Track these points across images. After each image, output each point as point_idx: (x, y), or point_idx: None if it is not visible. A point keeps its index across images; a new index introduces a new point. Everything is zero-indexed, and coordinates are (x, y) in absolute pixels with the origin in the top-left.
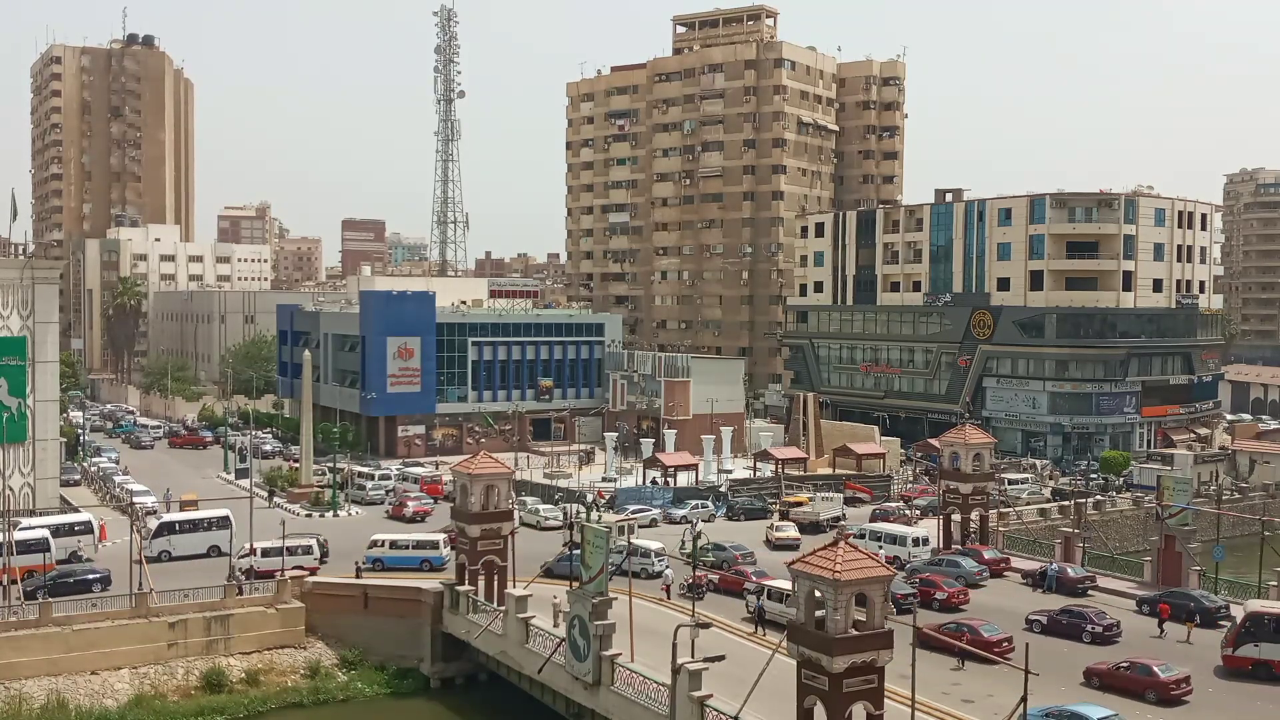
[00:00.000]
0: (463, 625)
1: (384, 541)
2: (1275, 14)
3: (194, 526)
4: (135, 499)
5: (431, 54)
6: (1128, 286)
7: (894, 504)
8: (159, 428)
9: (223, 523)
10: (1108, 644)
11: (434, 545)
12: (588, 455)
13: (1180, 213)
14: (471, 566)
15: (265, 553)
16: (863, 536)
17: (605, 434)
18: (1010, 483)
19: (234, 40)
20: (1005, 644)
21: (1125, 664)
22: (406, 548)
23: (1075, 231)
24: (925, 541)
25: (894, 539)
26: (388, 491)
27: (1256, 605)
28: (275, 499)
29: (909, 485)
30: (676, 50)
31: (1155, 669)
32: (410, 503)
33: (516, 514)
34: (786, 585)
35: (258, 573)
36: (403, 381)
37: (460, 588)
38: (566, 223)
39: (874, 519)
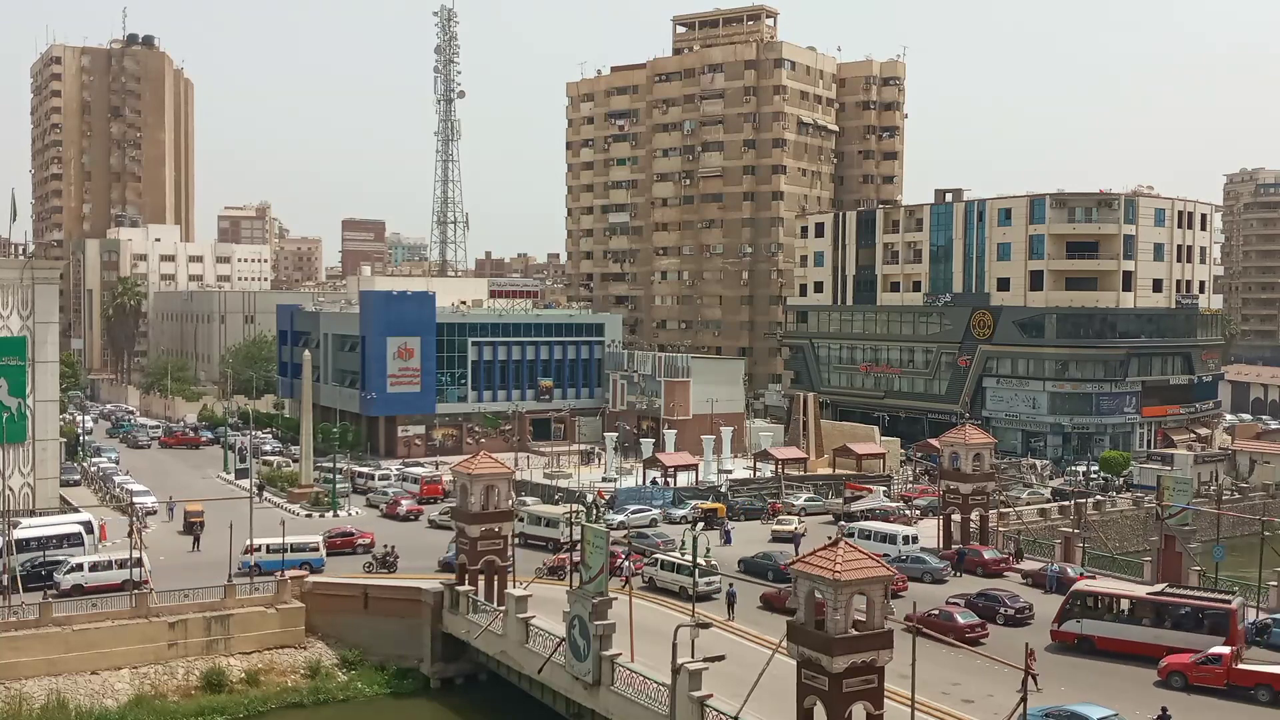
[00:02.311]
0: (463, 625)
1: (261, 546)
2: (1276, 14)
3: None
4: (135, 499)
5: (431, 54)
6: (1128, 286)
7: (894, 504)
8: (156, 427)
9: (85, 527)
10: (1020, 625)
11: (313, 548)
12: (587, 456)
13: (1180, 213)
14: (471, 566)
15: (270, 549)
16: (851, 535)
17: (605, 434)
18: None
19: (234, 40)
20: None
21: (935, 611)
22: (284, 550)
23: (1075, 231)
24: (915, 539)
25: (884, 537)
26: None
27: (1082, 584)
28: (265, 494)
29: (909, 485)
30: (676, 50)
31: (956, 615)
32: (404, 501)
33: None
34: (674, 558)
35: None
36: (403, 381)
37: (460, 588)
38: (566, 223)
39: (874, 519)
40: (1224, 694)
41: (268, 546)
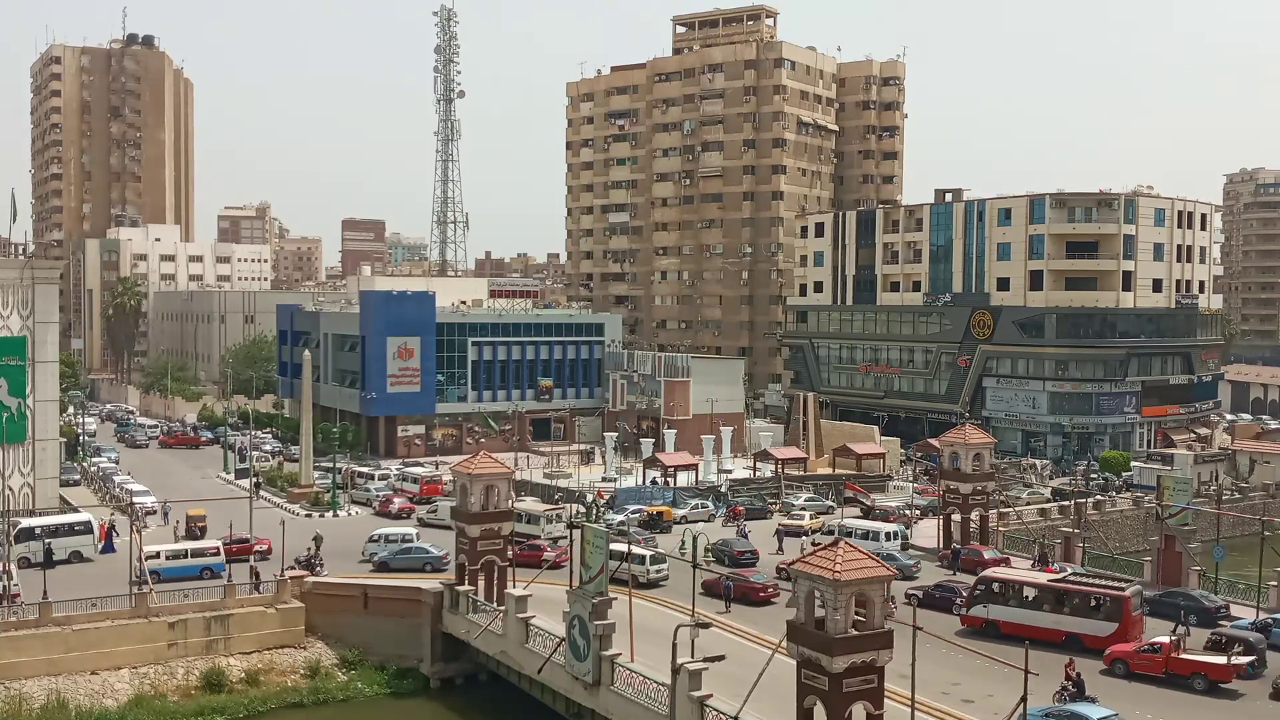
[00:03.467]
0: (463, 625)
1: (159, 553)
2: (1275, 14)
3: (55, 531)
4: (135, 499)
5: (431, 54)
6: (1128, 286)
7: (894, 504)
8: (155, 427)
9: (85, 527)
10: None
11: (214, 553)
12: (587, 456)
13: (1180, 213)
14: (471, 566)
15: (169, 556)
16: (831, 532)
17: (605, 434)
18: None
19: (234, 40)
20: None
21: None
22: (184, 556)
23: (1075, 231)
24: (896, 536)
25: (868, 535)
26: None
27: (989, 570)
28: (261, 493)
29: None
30: (676, 50)
31: (752, 579)
32: (396, 499)
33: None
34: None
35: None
36: (403, 381)
37: (460, 588)
38: (566, 223)
39: (873, 519)
40: (1163, 682)
41: (167, 553)
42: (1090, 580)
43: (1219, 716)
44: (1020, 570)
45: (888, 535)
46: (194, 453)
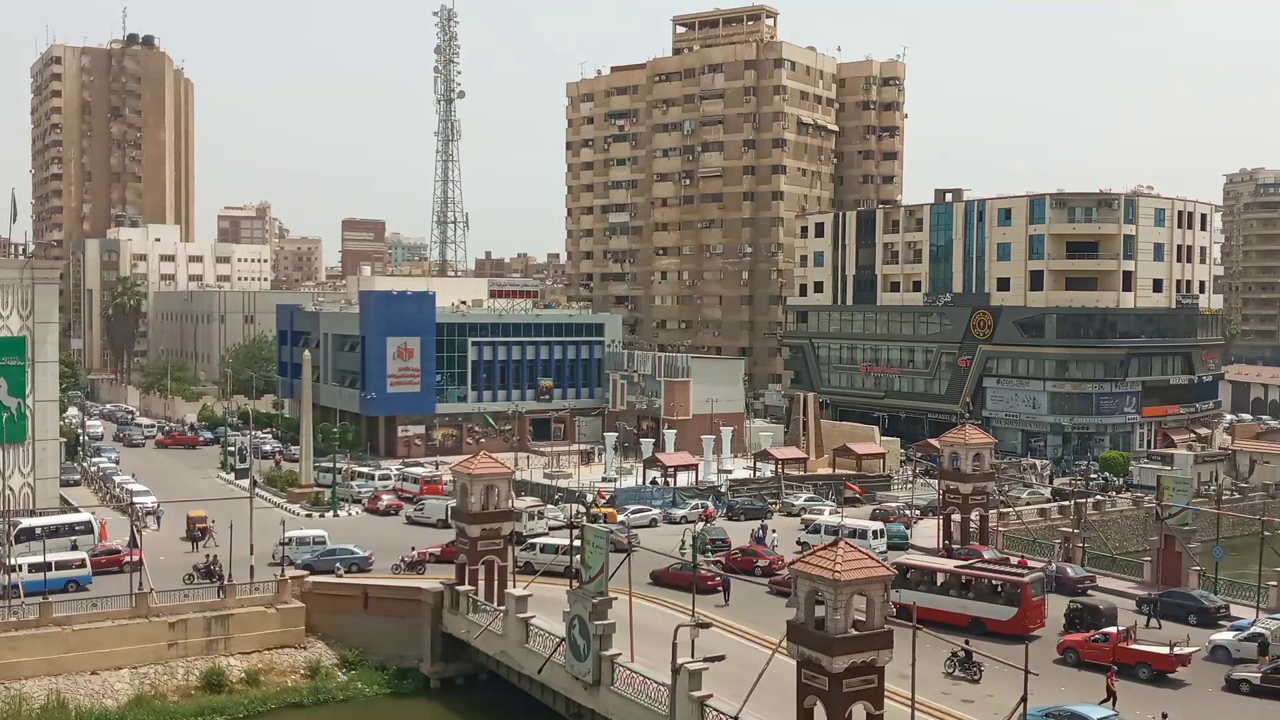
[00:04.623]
0: (463, 625)
1: (22, 565)
2: (1275, 14)
3: (55, 531)
4: (135, 499)
5: (431, 54)
6: (1128, 286)
7: (893, 504)
8: (151, 426)
9: (85, 527)
10: None
11: (79, 564)
12: (587, 456)
13: (1180, 213)
14: (471, 566)
15: (32, 569)
16: (817, 531)
17: (605, 434)
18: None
19: (234, 40)
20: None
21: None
22: (48, 569)
23: (1075, 231)
24: (881, 534)
25: (852, 533)
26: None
27: (903, 557)
28: (261, 492)
29: (906, 486)
30: (676, 50)
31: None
32: (384, 496)
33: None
34: (556, 540)
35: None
36: (403, 381)
37: (460, 588)
38: (566, 223)
39: (874, 519)
40: (1110, 670)
41: (29, 565)
42: (993, 567)
43: (1151, 703)
44: (930, 558)
45: (875, 534)
46: (191, 453)
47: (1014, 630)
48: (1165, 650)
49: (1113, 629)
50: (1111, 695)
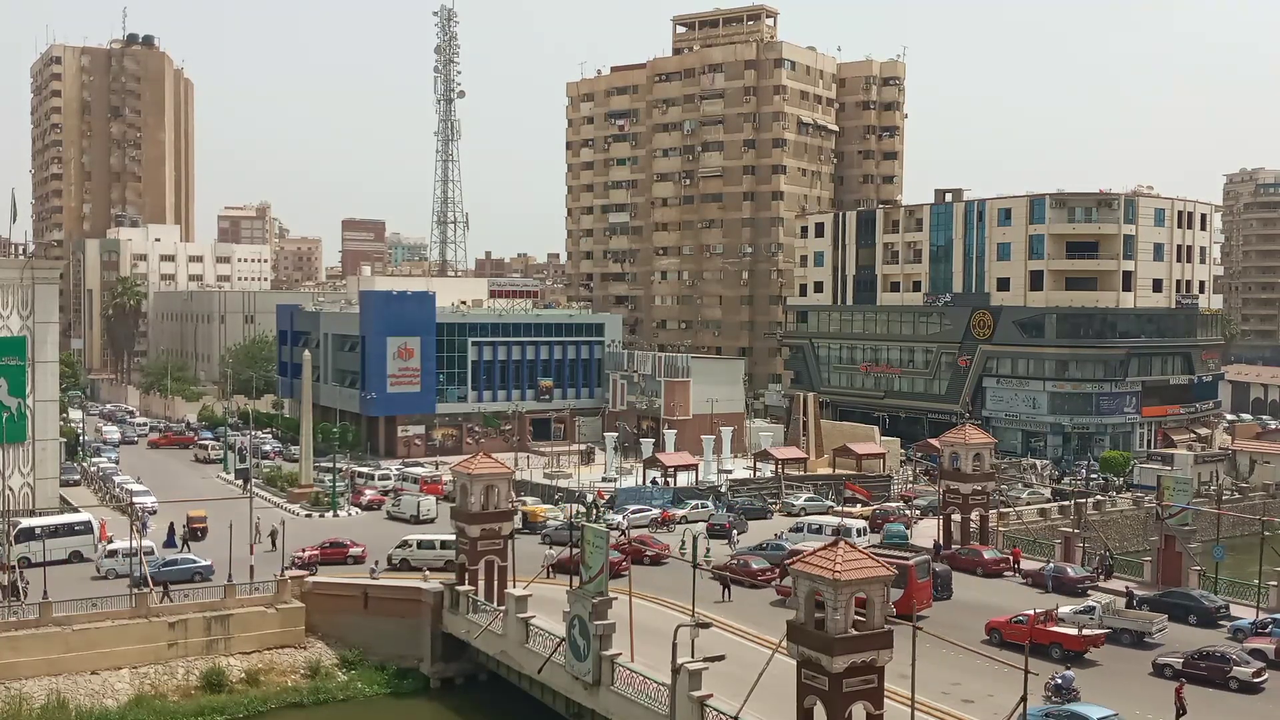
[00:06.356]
0: (463, 625)
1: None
2: (1275, 14)
3: (55, 531)
4: (135, 499)
5: (431, 54)
6: (1128, 286)
7: (894, 504)
8: (145, 425)
9: (85, 527)
10: None
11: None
12: (587, 456)
13: (1180, 213)
14: (471, 566)
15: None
16: (800, 530)
17: (605, 434)
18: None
19: (234, 40)
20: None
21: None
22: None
23: (1075, 231)
24: (865, 532)
25: (838, 532)
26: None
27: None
28: (260, 492)
29: (909, 485)
30: (676, 50)
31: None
32: (367, 492)
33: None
34: (432, 537)
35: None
36: (403, 381)
37: (460, 588)
38: (566, 223)
39: (874, 519)
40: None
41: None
42: (881, 552)
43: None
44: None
45: (858, 531)
46: (185, 452)
47: (901, 611)
48: (1074, 632)
49: (1029, 611)
50: (1181, 709)
